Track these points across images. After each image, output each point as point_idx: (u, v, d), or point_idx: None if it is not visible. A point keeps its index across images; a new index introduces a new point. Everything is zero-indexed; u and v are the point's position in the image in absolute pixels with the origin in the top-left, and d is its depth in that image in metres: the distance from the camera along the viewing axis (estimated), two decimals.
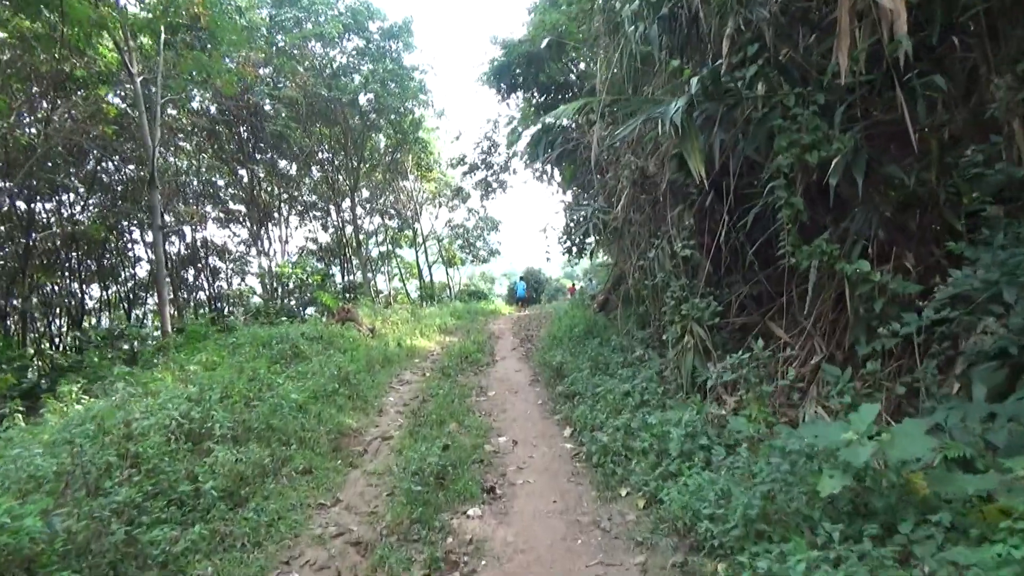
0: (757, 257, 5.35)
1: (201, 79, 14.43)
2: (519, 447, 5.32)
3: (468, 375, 9.04)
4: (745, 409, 4.22)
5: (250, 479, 4.49)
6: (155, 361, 9.75)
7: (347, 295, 21.38)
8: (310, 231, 27.57)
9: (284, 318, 14.66)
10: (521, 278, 27.63)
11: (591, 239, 8.38)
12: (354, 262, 27.33)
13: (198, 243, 22.68)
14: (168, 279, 21.36)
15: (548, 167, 10.82)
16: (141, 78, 12.67)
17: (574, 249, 9.85)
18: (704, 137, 4.67)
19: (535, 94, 13.60)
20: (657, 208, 5.93)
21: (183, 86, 14.49)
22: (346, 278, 26.35)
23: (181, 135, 19.29)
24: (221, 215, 23.44)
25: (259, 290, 22.98)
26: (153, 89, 13.17)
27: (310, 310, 19.20)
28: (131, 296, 21.44)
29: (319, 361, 8.53)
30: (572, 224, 8.65)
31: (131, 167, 18.21)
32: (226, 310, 22.60)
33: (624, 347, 7.05)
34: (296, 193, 25.55)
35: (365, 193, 28.31)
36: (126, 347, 14.24)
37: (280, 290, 21.18)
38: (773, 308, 5.17)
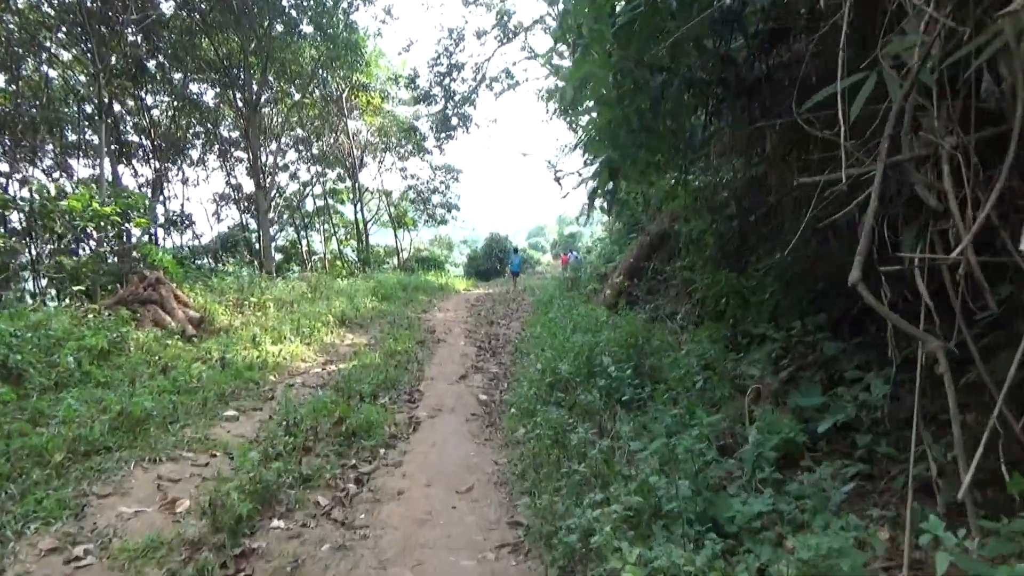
0: None
1: None
2: None
3: (298, 542, 2.93)
4: None
5: None
6: None
7: (218, 254, 15.54)
8: (231, 176, 21.47)
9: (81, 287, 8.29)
10: (516, 251, 22.64)
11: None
12: (284, 215, 21.20)
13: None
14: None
15: None
16: None
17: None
18: None
19: None
20: None
21: None
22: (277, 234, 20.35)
23: (49, 34, 13.44)
24: (116, 147, 17.56)
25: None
26: None
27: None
28: None
29: None
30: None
31: None
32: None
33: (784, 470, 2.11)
34: (210, 126, 19.93)
35: (300, 133, 22.08)
36: None
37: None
38: None
